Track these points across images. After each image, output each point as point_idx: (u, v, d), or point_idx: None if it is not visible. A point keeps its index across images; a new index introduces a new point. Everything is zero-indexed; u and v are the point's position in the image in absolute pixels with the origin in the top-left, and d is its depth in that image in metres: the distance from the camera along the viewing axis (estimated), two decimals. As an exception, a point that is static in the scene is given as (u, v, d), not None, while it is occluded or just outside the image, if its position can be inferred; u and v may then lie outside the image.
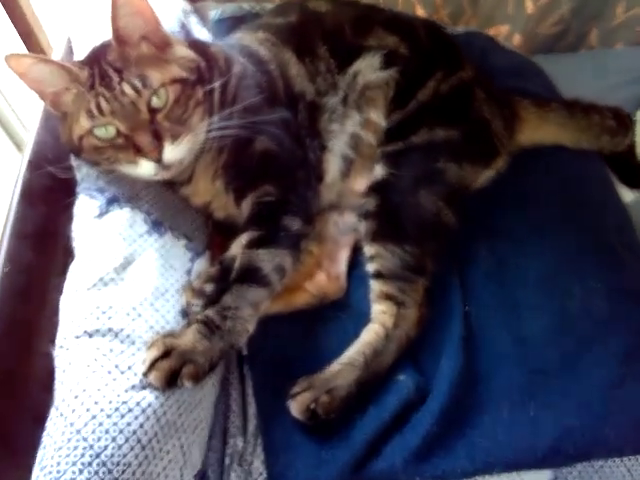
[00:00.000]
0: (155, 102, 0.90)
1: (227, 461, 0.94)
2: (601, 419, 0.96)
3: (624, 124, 1.33)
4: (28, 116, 1.55)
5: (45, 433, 0.74)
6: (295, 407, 0.91)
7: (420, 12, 1.67)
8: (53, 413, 0.75)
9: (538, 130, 1.26)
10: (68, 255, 0.93)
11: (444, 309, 1.06)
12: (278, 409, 0.95)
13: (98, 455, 0.71)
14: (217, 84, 0.99)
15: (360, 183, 1.14)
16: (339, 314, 1.08)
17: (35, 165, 0.99)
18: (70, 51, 1.17)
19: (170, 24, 1.25)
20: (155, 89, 0.90)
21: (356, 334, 1.02)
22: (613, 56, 1.89)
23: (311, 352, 1.03)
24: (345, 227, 1.14)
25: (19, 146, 1.56)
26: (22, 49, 1.39)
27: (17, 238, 0.91)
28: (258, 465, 0.94)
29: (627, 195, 1.47)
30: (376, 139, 1.12)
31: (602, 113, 1.31)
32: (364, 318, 1.05)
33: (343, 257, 1.12)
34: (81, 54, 1.06)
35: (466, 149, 1.10)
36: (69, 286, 0.86)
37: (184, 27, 1.34)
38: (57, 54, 1.21)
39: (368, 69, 1.11)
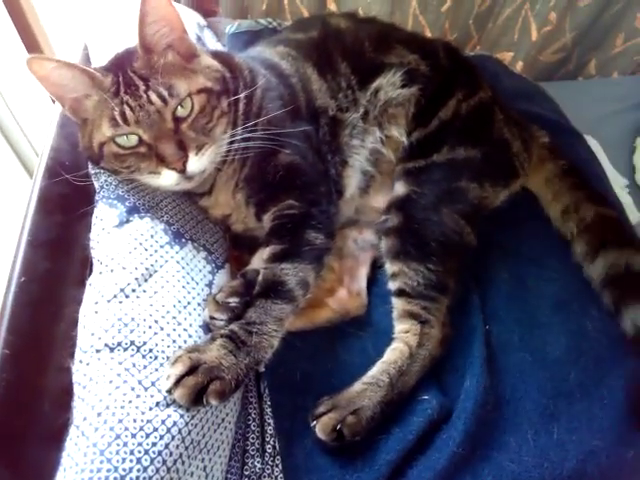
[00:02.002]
0: (180, 111, 0.89)
1: (246, 483, 0.90)
2: (625, 441, 0.95)
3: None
4: (35, 132, 1.52)
5: (64, 454, 0.69)
6: (320, 428, 0.88)
7: (429, 36, 1.70)
8: (73, 432, 0.71)
9: (533, 173, 1.23)
10: (85, 265, 0.90)
11: (466, 330, 1.05)
12: (298, 430, 0.93)
13: (123, 478, 0.67)
14: (242, 95, 0.98)
15: (379, 200, 1.13)
16: (359, 332, 1.06)
17: (51, 172, 0.95)
18: (87, 59, 1.15)
19: (187, 36, 1.24)
20: (182, 98, 0.88)
21: (376, 352, 1.01)
22: (611, 84, 1.96)
23: (330, 370, 1.01)
24: (364, 244, 1.13)
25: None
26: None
27: (33, 247, 0.87)
28: (277, 488, 0.90)
29: (632, 217, 1.50)
30: (396, 156, 1.12)
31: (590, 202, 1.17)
32: (384, 336, 1.03)
33: (363, 273, 1.11)
34: (98, 61, 1.05)
35: (487, 169, 1.10)
36: (89, 297, 0.83)
37: (200, 40, 1.34)
38: (74, 61, 1.18)
39: (390, 86, 1.11)
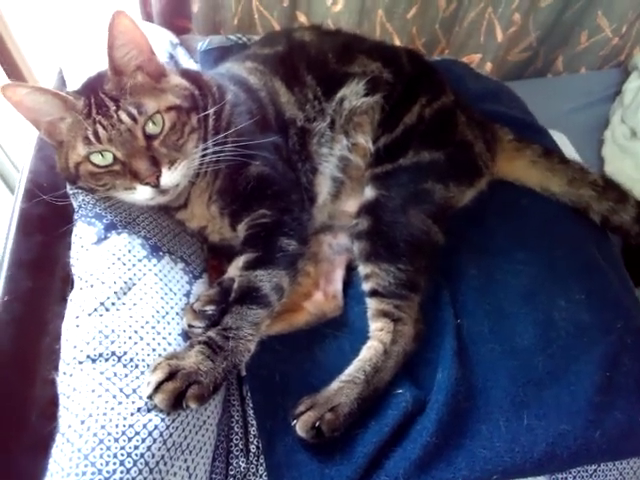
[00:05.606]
0: (151, 128, 0.93)
1: (230, 483, 0.94)
2: (591, 425, 0.99)
3: (615, 190, 1.26)
4: (18, 153, 1.56)
5: (51, 460, 0.73)
6: (300, 426, 0.92)
7: (397, 42, 1.75)
8: (59, 440, 0.74)
9: (512, 162, 1.29)
10: (67, 282, 0.94)
11: (437, 325, 1.09)
12: (279, 429, 0.96)
13: (107, 479, 0.71)
14: (211, 111, 1.02)
15: (350, 204, 1.18)
16: (336, 332, 1.09)
17: (31, 194, 1.00)
18: (62, 82, 1.19)
19: (159, 55, 1.27)
20: (150, 116, 0.92)
21: (353, 351, 1.05)
22: (579, 80, 2.02)
23: (309, 371, 1.04)
24: (339, 248, 1.17)
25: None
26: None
27: (15, 267, 0.91)
28: (261, 486, 0.94)
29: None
30: (364, 162, 1.17)
31: (586, 170, 1.29)
32: (360, 335, 1.07)
33: (338, 276, 1.15)
34: (73, 85, 1.09)
35: (451, 170, 1.15)
36: (70, 312, 0.86)
37: (172, 58, 1.38)
38: (49, 85, 1.22)
39: (353, 95, 1.16)
